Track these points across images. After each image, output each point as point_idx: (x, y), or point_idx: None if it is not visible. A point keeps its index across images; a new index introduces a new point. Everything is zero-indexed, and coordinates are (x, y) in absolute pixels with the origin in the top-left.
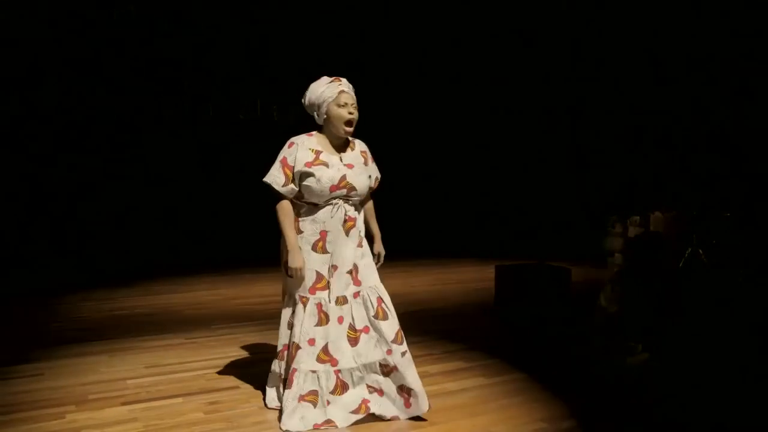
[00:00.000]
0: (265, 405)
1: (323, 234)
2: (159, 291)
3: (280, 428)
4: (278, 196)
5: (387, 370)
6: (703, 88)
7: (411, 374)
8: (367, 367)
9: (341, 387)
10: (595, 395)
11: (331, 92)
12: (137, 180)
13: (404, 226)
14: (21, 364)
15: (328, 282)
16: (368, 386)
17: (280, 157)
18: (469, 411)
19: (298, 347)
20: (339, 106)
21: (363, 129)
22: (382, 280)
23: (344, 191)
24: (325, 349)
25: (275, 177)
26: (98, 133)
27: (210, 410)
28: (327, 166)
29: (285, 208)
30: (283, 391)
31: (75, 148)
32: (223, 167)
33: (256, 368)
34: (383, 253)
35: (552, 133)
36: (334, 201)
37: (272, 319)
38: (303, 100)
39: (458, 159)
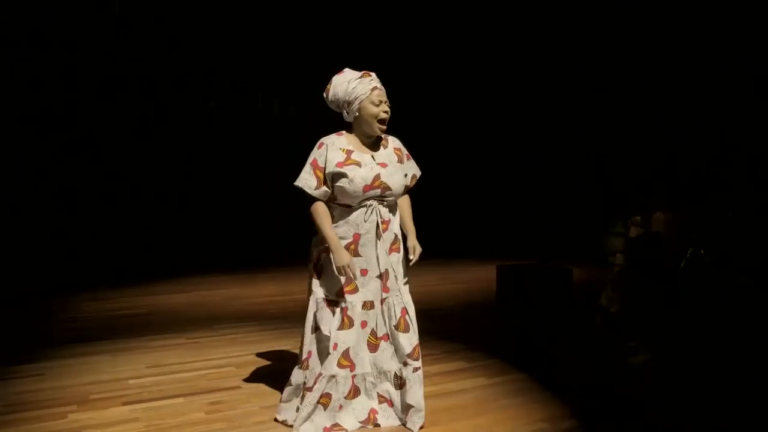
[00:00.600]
0: (277, 419)
1: (356, 237)
2: (160, 291)
3: (294, 429)
4: (311, 200)
5: (400, 383)
6: (704, 88)
7: (418, 393)
8: (382, 375)
9: (353, 392)
10: (595, 395)
11: (363, 89)
12: (138, 179)
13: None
14: (23, 364)
15: (357, 286)
16: (379, 395)
17: (310, 159)
18: (469, 411)
19: (327, 353)
20: (373, 104)
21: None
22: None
23: (378, 191)
24: (345, 354)
25: (307, 180)
26: (96, 133)
27: (211, 410)
28: (360, 166)
29: (320, 210)
30: (298, 371)
31: (75, 148)
32: (227, 165)
33: (258, 368)
34: (419, 249)
35: (552, 131)
36: (368, 203)
37: (274, 320)
38: (325, 95)
39: (459, 159)
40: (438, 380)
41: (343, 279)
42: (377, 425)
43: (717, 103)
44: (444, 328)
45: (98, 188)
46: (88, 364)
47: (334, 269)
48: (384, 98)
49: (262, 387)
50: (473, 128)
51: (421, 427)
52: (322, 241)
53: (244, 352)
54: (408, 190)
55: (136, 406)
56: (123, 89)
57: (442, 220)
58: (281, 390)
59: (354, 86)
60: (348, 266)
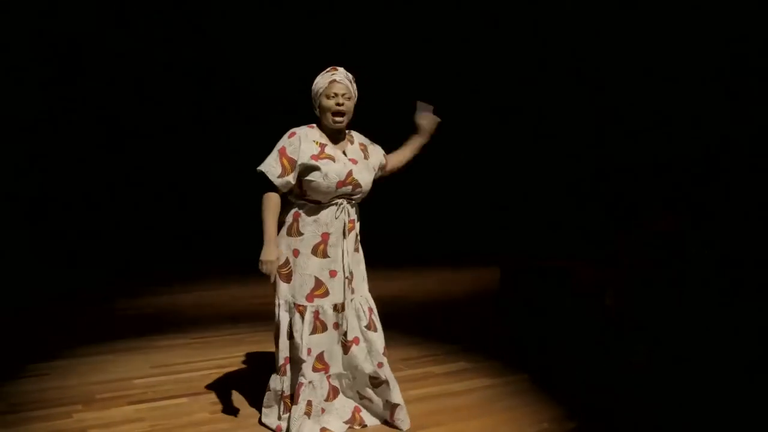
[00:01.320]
0: (261, 422)
1: (325, 237)
2: (165, 291)
3: None
4: (270, 187)
5: (377, 383)
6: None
7: (397, 390)
8: (358, 377)
9: (333, 392)
10: (599, 396)
11: (323, 82)
12: (141, 179)
13: (408, 228)
14: (28, 364)
15: (327, 289)
16: (359, 393)
17: (278, 146)
18: (473, 412)
19: (302, 360)
20: (328, 97)
21: (364, 128)
22: (388, 281)
23: (350, 188)
24: (320, 357)
25: (271, 167)
26: (96, 135)
27: (215, 410)
28: (333, 161)
29: (273, 200)
30: (291, 407)
31: (78, 149)
32: (229, 165)
33: (262, 369)
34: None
35: (550, 132)
36: (338, 201)
37: None
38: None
39: (457, 160)
40: (441, 381)
41: (312, 283)
42: (364, 426)
43: (713, 102)
44: (447, 329)
45: (98, 188)
46: (94, 363)
47: (260, 262)
48: (342, 91)
49: (266, 387)
50: (472, 127)
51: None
52: (293, 243)
53: (249, 353)
54: (387, 163)
55: (140, 405)
56: (123, 88)
57: (443, 221)
58: None
59: (317, 80)
60: (271, 263)
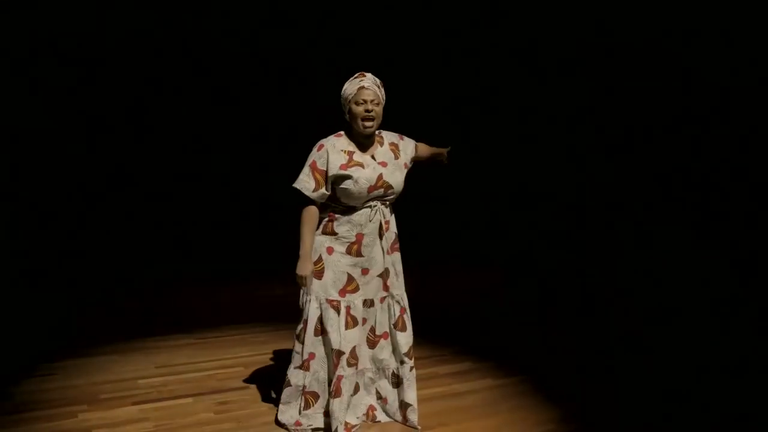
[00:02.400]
0: (277, 422)
1: (359, 237)
2: (169, 291)
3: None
4: (307, 201)
5: (396, 381)
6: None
7: (413, 391)
8: (381, 372)
9: (356, 388)
10: (604, 396)
11: (351, 89)
12: (142, 178)
13: (414, 228)
14: (33, 364)
15: (358, 285)
16: (377, 392)
17: (309, 161)
18: (478, 412)
19: (340, 353)
20: (357, 104)
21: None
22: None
23: (382, 191)
24: (352, 352)
25: (305, 183)
26: (100, 136)
27: (220, 410)
28: (363, 167)
29: (312, 214)
30: (329, 401)
31: (85, 143)
32: (232, 164)
33: (267, 368)
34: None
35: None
36: (371, 203)
37: (283, 320)
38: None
39: (467, 159)
40: (446, 381)
41: (344, 279)
42: (376, 421)
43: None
44: (452, 329)
45: (99, 189)
46: (98, 363)
47: (296, 275)
48: (370, 97)
49: (270, 387)
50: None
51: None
52: (321, 243)
53: (253, 353)
54: (418, 153)
55: (145, 405)
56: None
57: (447, 222)
58: None
59: (345, 87)
60: (306, 278)
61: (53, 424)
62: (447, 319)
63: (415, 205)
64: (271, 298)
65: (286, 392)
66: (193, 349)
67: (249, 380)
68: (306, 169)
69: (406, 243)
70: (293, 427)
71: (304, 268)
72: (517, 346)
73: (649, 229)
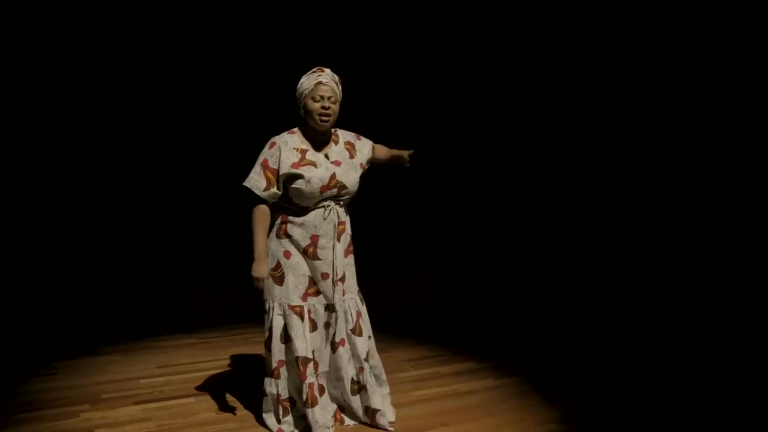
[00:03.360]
0: (263, 424)
1: (314, 239)
2: (171, 290)
3: None
4: (258, 200)
5: (356, 388)
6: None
7: (377, 396)
8: (340, 380)
9: (320, 390)
10: (604, 397)
11: (309, 84)
12: (144, 178)
13: (413, 225)
14: (36, 364)
15: (318, 289)
16: (341, 397)
17: (260, 159)
18: (479, 412)
19: (307, 360)
20: (314, 99)
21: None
22: (393, 280)
23: (335, 191)
24: (315, 356)
25: (255, 181)
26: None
27: (222, 410)
28: (315, 166)
29: (263, 212)
30: (307, 411)
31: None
32: (233, 163)
33: None
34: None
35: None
36: (325, 203)
37: None
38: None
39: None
40: (447, 381)
41: (306, 282)
42: (345, 425)
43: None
44: (453, 329)
45: (100, 188)
46: (100, 363)
47: (252, 278)
48: (327, 94)
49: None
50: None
51: (392, 423)
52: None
53: (255, 353)
54: (374, 155)
55: (147, 405)
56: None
57: (451, 219)
58: None
59: (302, 81)
60: (263, 280)
61: (55, 423)
62: (448, 318)
63: (412, 201)
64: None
65: (265, 401)
66: (195, 350)
67: (251, 380)
68: (257, 168)
69: (403, 240)
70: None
71: (259, 270)
72: (517, 347)
73: (648, 228)
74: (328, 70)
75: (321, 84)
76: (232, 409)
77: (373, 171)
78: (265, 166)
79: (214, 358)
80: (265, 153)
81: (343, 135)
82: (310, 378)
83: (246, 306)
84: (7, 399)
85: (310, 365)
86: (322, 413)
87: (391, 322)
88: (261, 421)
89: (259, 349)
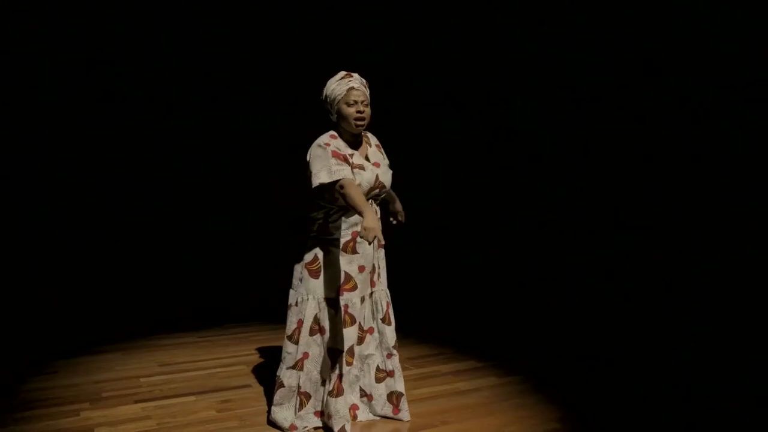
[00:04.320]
0: (270, 422)
1: (354, 234)
2: (171, 289)
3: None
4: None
5: (381, 375)
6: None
7: (401, 381)
8: (366, 367)
9: (349, 383)
10: (606, 396)
11: (340, 90)
12: (144, 178)
13: (414, 223)
14: (36, 362)
15: (356, 283)
16: (361, 389)
17: (327, 154)
18: (481, 410)
19: (339, 352)
20: (348, 104)
21: None
22: (394, 277)
23: (377, 191)
24: (350, 350)
25: (340, 171)
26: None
27: (222, 408)
28: (363, 169)
29: (349, 181)
30: (330, 400)
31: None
32: (236, 162)
33: (269, 367)
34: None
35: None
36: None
37: (284, 319)
38: (321, 97)
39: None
40: (449, 379)
41: (341, 277)
42: (356, 421)
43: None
44: (456, 327)
45: (101, 187)
46: (101, 362)
47: (366, 230)
48: (360, 98)
49: (272, 386)
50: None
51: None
52: (316, 241)
53: (255, 351)
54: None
55: (147, 404)
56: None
57: (452, 217)
58: None
59: (333, 87)
60: (375, 229)
61: (56, 422)
62: (451, 316)
63: (411, 200)
64: (273, 297)
65: (279, 393)
66: (195, 348)
67: (251, 379)
68: (332, 160)
69: (404, 237)
70: (288, 430)
71: (371, 219)
72: (520, 345)
73: (648, 226)
74: (356, 75)
75: (353, 89)
76: (233, 408)
77: None
78: (337, 156)
79: (215, 356)
80: (328, 150)
81: (372, 137)
82: (340, 369)
83: (246, 305)
84: (7, 397)
85: (342, 357)
86: (344, 405)
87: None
88: (266, 419)
89: (260, 348)
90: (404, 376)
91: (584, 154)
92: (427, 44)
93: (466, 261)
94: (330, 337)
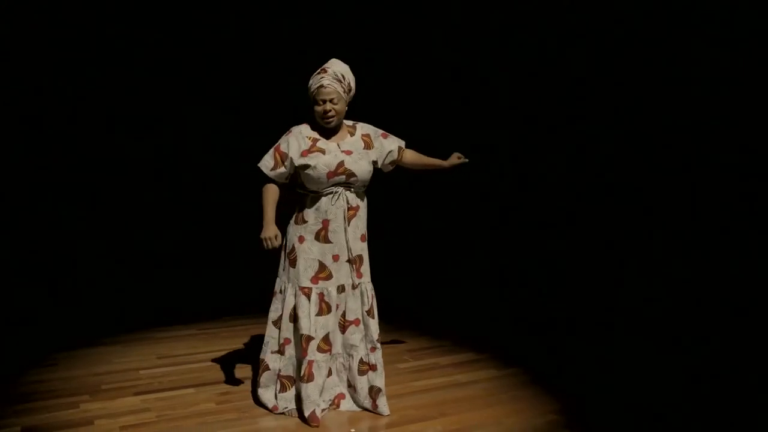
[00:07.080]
0: (257, 402)
1: (325, 223)
2: (170, 282)
3: (310, 425)
4: (265, 180)
5: (364, 368)
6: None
7: (382, 377)
8: (350, 358)
9: (329, 372)
10: (604, 388)
11: (313, 86)
12: (145, 177)
13: (414, 220)
14: (35, 355)
15: (331, 272)
16: (348, 380)
17: (276, 143)
18: (479, 403)
19: (309, 338)
20: (317, 103)
21: None
22: (394, 272)
23: (343, 177)
24: (325, 339)
25: (266, 162)
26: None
27: (222, 400)
28: (324, 153)
29: (269, 189)
30: (297, 386)
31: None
32: (238, 162)
33: None
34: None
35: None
36: (334, 189)
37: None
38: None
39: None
40: (448, 371)
41: (316, 266)
42: (339, 409)
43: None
44: (454, 320)
45: (98, 181)
46: (100, 354)
47: (260, 239)
48: (329, 96)
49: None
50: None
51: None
52: (295, 229)
53: (254, 343)
54: (401, 158)
55: (147, 396)
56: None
57: (451, 216)
58: None
59: (310, 83)
60: (269, 239)
61: (55, 414)
62: (449, 309)
63: (412, 198)
64: (272, 289)
65: (265, 376)
66: (194, 340)
67: (250, 371)
68: (270, 151)
69: (404, 234)
70: (271, 411)
71: (268, 230)
72: (518, 338)
73: (646, 226)
74: (331, 69)
75: (322, 87)
76: (232, 400)
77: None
78: (277, 149)
79: (213, 348)
80: (281, 139)
81: (363, 128)
82: (311, 356)
83: (244, 297)
84: (6, 389)
85: (312, 343)
86: (314, 390)
87: (391, 313)
88: (263, 411)
89: (257, 340)
90: (403, 368)
91: (584, 153)
92: (427, 44)
93: (465, 253)
94: (302, 325)
